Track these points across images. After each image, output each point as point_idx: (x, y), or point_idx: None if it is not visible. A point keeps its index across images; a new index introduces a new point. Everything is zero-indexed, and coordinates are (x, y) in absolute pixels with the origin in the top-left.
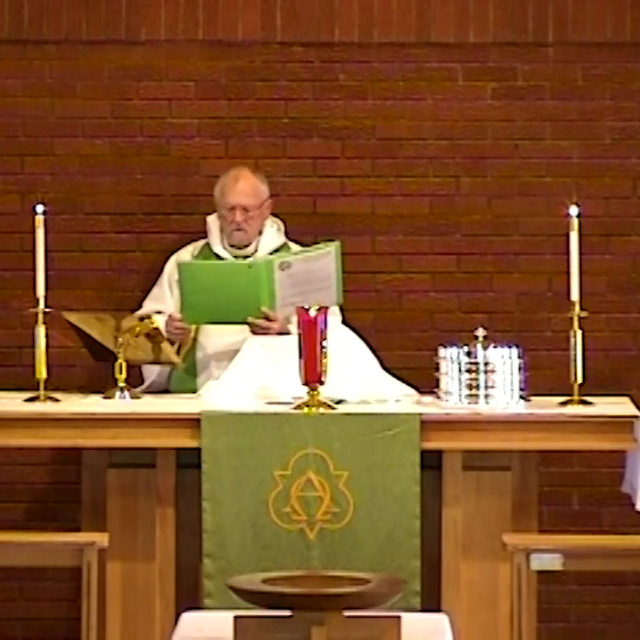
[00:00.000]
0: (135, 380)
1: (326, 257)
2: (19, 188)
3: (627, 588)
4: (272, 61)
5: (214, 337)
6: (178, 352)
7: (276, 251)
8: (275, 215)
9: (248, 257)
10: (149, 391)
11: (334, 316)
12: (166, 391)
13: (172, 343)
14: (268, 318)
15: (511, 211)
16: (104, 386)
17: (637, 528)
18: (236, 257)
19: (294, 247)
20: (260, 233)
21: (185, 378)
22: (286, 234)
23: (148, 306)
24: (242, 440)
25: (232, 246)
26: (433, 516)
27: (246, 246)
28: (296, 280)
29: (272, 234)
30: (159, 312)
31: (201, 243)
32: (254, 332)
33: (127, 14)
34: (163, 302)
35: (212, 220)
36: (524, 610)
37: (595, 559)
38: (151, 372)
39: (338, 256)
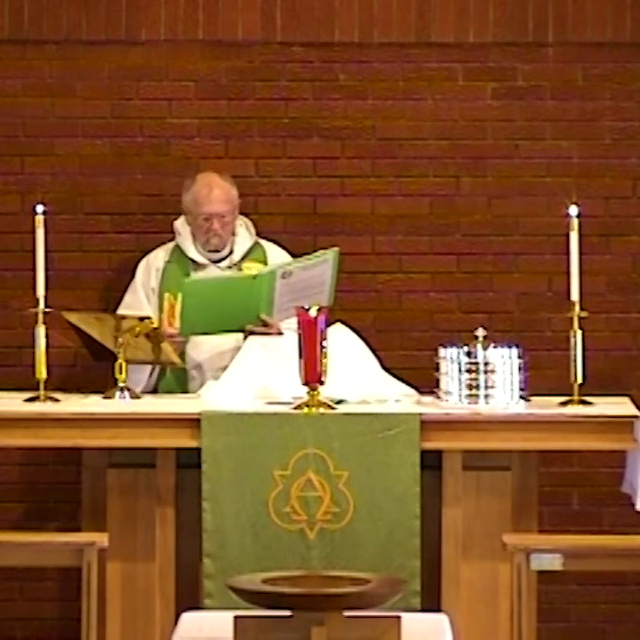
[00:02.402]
0: None
1: (324, 264)
2: (19, 188)
3: (627, 588)
4: (272, 61)
5: (204, 348)
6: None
7: (250, 251)
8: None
9: (223, 259)
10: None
11: None
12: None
13: None
14: (265, 325)
15: (511, 211)
16: (104, 386)
17: (637, 528)
18: (212, 260)
19: (266, 245)
20: (233, 234)
21: (175, 389)
22: (257, 233)
23: None
24: (242, 440)
25: (207, 250)
26: (433, 516)
27: (222, 249)
28: (293, 287)
29: (243, 233)
30: None
31: (170, 246)
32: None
33: (127, 14)
34: (140, 310)
35: (181, 225)
36: (524, 610)
37: (595, 559)
38: (138, 382)
39: (335, 262)
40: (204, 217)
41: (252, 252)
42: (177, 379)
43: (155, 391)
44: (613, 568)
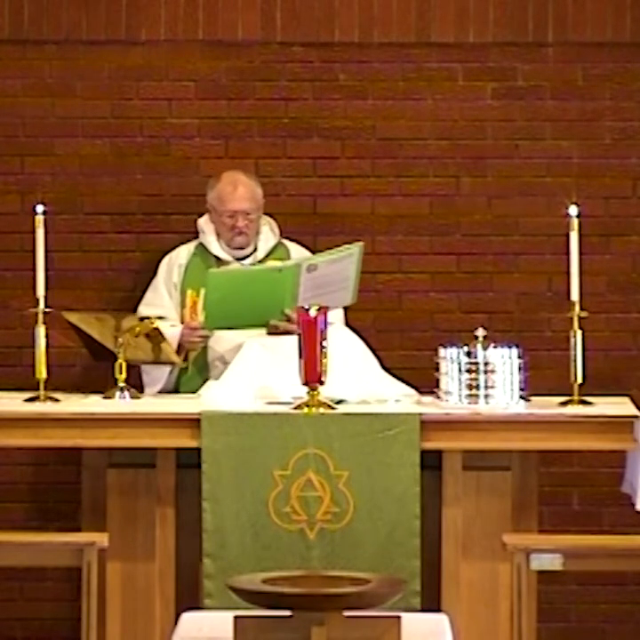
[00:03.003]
0: (135, 380)
1: (348, 259)
2: (19, 188)
3: (627, 587)
4: (272, 61)
5: (226, 341)
6: (186, 357)
7: (274, 250)
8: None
9: (247, 257)
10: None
11: (338, 313)
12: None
13: (188, 351)
14: (289, 320)
15: (511, 211)
16: (104, 386)
17: (637, 528)
18: (236, 258)
19: (290, 245)
20: (257, 232)
21: (197, 381)
22: (280, 232)
23: (146, 312)
24: (242, 440)
25: (232, 248)
26: (433, 516)
27: (246, 247)
28: (318, 282)
29: (267, 232)
30: (160, 317)
31: (193, 244)
32: (273, 334)
33: (127, 14)
34: (161, 306)
35: (205, 222)
36: (524, 610)
37: (595, 559)
38: (158, 379)
39: (359, 257)
40: (228, 214)
41: (276, 252)
42: (199, 370)
43: (177, 383)
44: (613, 568)
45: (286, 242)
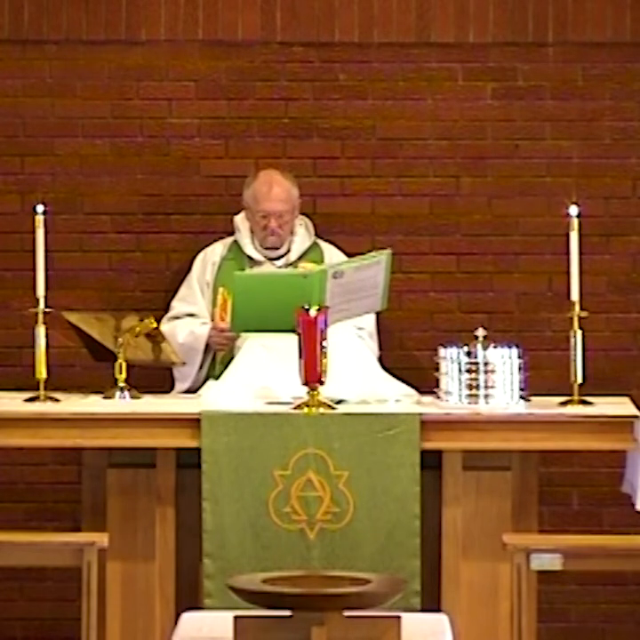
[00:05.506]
0: (136, 380)
1: (376, 266)
2: (19, 188)
3: (627, 587)
4: (272, 61)
5: (251, 339)
6: (214, 358)
7: (308, 251)
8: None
9: (280, 258)
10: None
11: (369, 318)
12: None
13: (216, 351)
14: None
15: (511, 211)
16: (104, 386)
17: (637, 528)
18: (269, 258)
19: (324, 246)
20: (292, 233)
21: None
22: (316, 232)
23: (179, 307)
24: (242, 440)
25: (264, 248)
26: (433, 516)
27: (279, 247)
28: (346, 288)
29: (302, 233)
30: (191, 314)
31: (229, 241)
32: None
33: (127, 14)
34: (194, 303)
35: (241, 220)
36: (524, 610)
37: (595, 559)
38: (185, 377)
39: (388, 264)
40: (262, 214)
41: (310, 253)
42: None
43: (206, 382)
44: (613, 568)
45: (321, 242)
